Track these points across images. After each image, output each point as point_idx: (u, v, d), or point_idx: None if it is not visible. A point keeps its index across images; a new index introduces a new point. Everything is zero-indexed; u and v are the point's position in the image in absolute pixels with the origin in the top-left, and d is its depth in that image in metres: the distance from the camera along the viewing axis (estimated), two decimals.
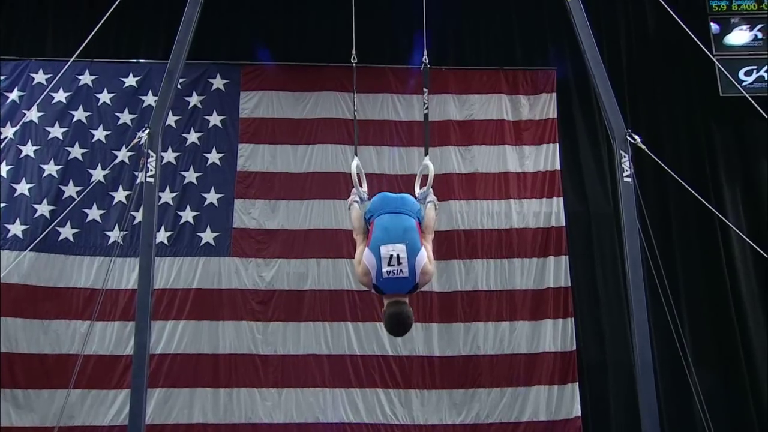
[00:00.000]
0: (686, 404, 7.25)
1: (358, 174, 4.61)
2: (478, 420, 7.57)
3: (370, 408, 7.55)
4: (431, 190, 4.53)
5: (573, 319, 7.81)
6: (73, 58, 5.59)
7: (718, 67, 7.45)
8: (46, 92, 6.90)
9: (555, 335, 7.77)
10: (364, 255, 4.01)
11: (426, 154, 4.86)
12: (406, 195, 4.41)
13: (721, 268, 8.00)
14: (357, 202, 4.50)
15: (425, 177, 4.59)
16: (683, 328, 5.79)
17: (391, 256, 3.89)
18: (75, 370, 5.67)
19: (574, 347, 7.73)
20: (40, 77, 7.92)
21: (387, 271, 3.90)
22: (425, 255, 3.99)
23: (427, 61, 5.10)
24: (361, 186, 4.60)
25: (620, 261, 7.72)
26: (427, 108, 5.07)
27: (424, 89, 5.00)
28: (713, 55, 6.94)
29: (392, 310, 3.94)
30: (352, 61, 5.21)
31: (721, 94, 8.11)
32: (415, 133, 8.18)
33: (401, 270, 3.88)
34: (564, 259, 7.95)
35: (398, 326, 3.98)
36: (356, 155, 4.83)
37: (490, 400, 7.61)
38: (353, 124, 5.67)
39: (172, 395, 7.42)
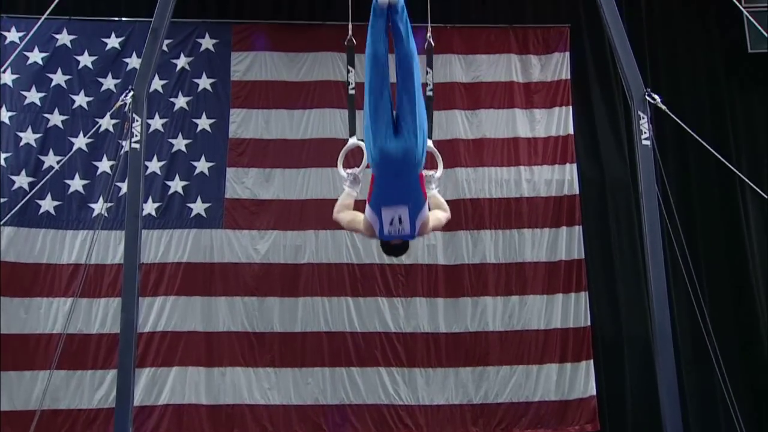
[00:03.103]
0: (707, 378, 7.26)
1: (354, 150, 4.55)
2: (486, 400, 7.59)
3: (371, 388, 7.57)
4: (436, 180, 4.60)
5: (587, 293, 7.79)
6: (45, 15, 5.45)
7: (748, 20, 7.31)
8: (18, 51, 6.73)
9: (568, 310, 7.75)
10: (366, 212, 4.22)
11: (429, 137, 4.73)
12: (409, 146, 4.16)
13: (744, 236, 7.95)
14: (352, 189, 4.47)
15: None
16: (704, 300, 5.75)
17: (393, 218, 4.09)
18: (58, 350, 5.68)
19: (589, 323, 7.73)
20: (13, 35, 7.75)
21: (388, 231, 4.13)
22: (427, 211, 4.21)
23: (432, 39, 4.92)
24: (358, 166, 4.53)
25: (637, 231, 7.72)
26: (432, 90, 4.85)
27: (428, 69, 4.85)
28: (743, 6, 6.81)
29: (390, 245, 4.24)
30: (345, 43, 4.91)
31: (749, 50, 7.96)
32: None
33: (403, 229, 4.12)
34: (577, 230, 7.91)
35: (397, 252, 4.33)
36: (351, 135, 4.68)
37: (499, 379, 7.62)
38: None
39: (161, 375, 7.43)
